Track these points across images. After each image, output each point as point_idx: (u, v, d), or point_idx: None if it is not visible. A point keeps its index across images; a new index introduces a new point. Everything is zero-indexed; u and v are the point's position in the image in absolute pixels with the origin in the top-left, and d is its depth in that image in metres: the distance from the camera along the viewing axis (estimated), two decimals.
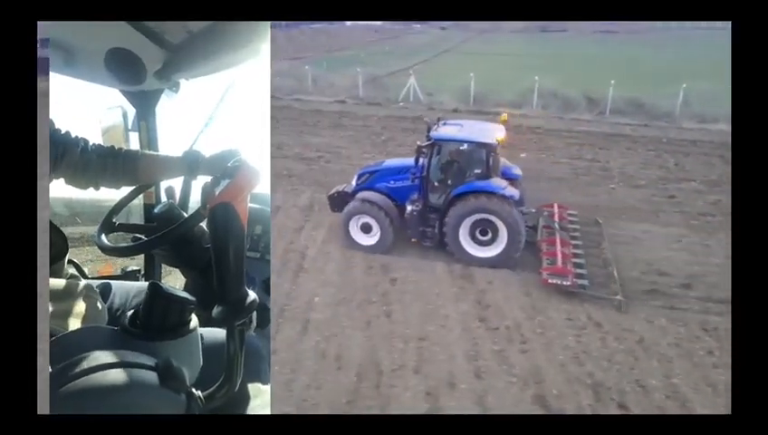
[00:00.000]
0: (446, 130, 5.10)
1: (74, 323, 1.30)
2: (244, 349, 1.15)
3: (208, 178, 1.26)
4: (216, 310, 1.09)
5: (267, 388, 1.52)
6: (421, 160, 4.93)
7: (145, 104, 2.49)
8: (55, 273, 1.41)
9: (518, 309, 4.20)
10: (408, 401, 3.27)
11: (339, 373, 3.53)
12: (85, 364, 0.94)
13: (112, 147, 1.63)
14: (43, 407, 0.95)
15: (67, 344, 1.07)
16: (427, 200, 5.05)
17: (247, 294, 1.12)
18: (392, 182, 5.26)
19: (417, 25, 33.45)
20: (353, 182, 5.50)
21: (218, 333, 1.33)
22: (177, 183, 2.16)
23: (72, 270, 1.52)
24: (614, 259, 4.92)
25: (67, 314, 1.31)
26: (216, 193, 1.12)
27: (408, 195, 5.14)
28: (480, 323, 4.06)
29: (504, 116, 5.71)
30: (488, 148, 4.83)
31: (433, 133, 5.00)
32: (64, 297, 1.35)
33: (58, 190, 1.63)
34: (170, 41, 1.89)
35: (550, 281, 4.43)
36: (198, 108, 2.38)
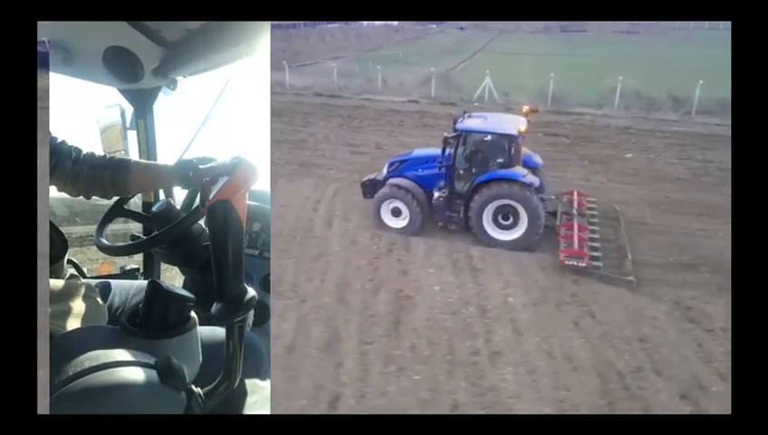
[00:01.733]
0: (471, 122, 5.41)
1: (74, 323, 1.30)
2: (243, 346, 1.15)
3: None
4: (215, 307, 1.09)
5: (266, 384, 1.51)
6: (448, 150, 5.30)
7: (142, 102, 2.47)
8: (55, 273, 1.40)
9: (723, 312, 4.14)
10: (667, 403, 3.22)
11: (577, 374, 3.49)
12: (86, 364, 0.95)
13: (104, 157, 1.58)
14: (43, 407, 0.94)
15: (67, 344, 1.07)
16: (453, 187, 5.41)
17: (246, 291, 1.11)
18: (420, 170, 5.61)
19: (433, 25, 33.21)
20: (384, 171, 5.87)
21: (217, 331, 1.34)
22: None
23: (71, 270, 1.51)
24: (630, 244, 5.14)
25: (67, 314, 1.31)
26: (215, 191, 1.11)
27: (435, 182, 5.49)
28: (692, 324, 4.01)
29: (527, 108, 5.82)
30: (510, 138, 5.13)
31: (459, 125, 5.36)
32: (64, 297, 1.34)
33: (57, 191, 1.63)
34: (167, 38, 1.88)
35: (567, 262, 4.69)
36: (196, 105, 2.38)
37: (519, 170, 5.16)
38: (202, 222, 1.68)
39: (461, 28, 32.85)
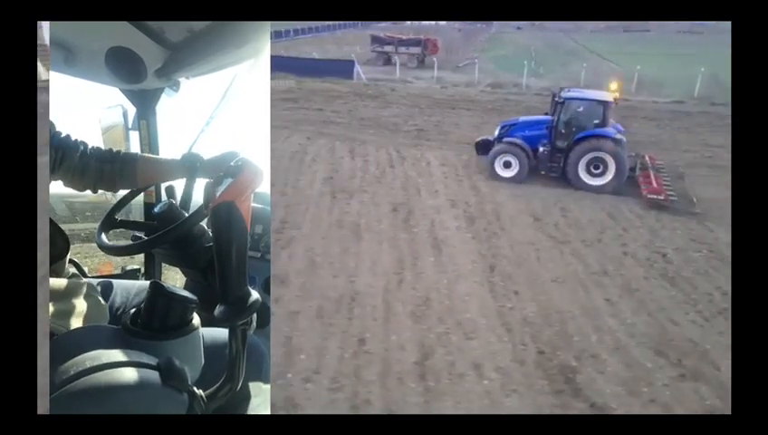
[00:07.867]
0: (572, 93, 7.11)
1: (76, 323, 1.31)
2: (246, 348, 1.15)
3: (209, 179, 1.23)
4: (218, 309, 1.08)
5: (268, 387, 1.53)
6: (553, 116, 6.99)
7: (145, 103, 2.47)
8: (56, 272, 1.40)
9: None
10: None
11: None
12: (87, 364, 0.94)
13: (110, 150, 1.60)
14: (43, 407, 0.94)
15: (69, 344, 1.07)
16: (555, 144, 6.96)
17: (250, 294, 1.11)
18: (527, 132, 7.16)
19: (479, 25, 31.06)
20: (496, 132, 7.44)
21: (220, 333, 1.35)
22: (178, 182, 2.09)
23: (72, 269, 1.51)
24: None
25: (69, 313, 1.31)
26: (219, 192, 1.11)
27: (539, 141, 7.02)
28: None
29: (614, 85, 7.52)
30: (605, 104, 6.76)
31: (564, 94, 7.02)
32: (66, 296, 1.34)
33: (58, 189, 1.63)
34: (171, 39, 1.88)
35: (649, 196, 6.21)
36: (199, 107, 2.34)
37: (610, 130, 6.69)
38: (204, 223, 1.72)
39: (518, 28, 31.28)
